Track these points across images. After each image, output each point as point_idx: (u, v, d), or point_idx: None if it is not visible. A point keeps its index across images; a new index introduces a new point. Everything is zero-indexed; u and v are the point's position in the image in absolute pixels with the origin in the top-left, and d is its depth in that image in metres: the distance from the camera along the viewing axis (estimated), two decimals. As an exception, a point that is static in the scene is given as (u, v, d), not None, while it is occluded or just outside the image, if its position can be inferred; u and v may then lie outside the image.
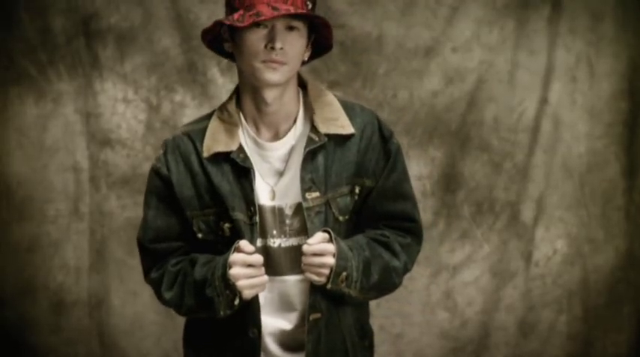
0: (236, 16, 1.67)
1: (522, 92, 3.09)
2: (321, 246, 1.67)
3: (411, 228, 1.83)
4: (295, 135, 1.78)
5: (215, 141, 1.76)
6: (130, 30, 3.06)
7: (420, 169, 3.08)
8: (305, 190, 1.73)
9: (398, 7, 3.07)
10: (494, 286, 3.14)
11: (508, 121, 3.10)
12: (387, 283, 1.79)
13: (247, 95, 1.77)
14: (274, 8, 1.64)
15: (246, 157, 1.75)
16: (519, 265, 3.14)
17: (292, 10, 1.65)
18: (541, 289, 3.15)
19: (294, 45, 1.69)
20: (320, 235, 1.68)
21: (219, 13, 2.98)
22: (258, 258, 1.68)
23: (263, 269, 1.68)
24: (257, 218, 1.73)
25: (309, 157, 1.74)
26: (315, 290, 1.72)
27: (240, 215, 1.74)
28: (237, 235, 1.74)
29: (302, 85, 1.83)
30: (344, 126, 1.76)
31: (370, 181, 1.80)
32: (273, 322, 1.79)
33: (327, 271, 1.68)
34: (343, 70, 3.07)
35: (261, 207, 1.75)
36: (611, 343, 3.14)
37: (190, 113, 3.07)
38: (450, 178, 3.13)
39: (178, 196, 1.79)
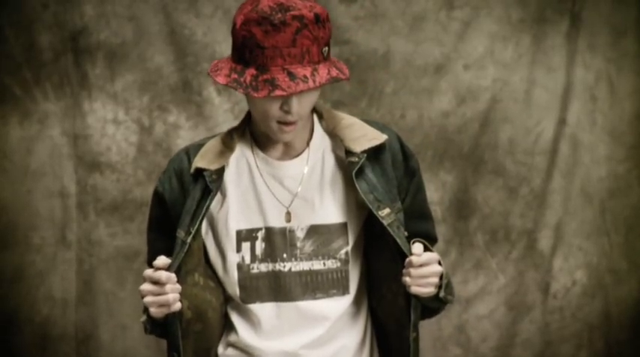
0: (248, 78, 1.64)
1: (539, 112, 3.07)
2: (428, 255, 1.70)
3: (430, 245, 1.87)
4: (309, 156, 1.80)
5: (202, 158, 1.78)
6: (120, 46, 3.04)
7: (430, 195, 3.05)
8: (376, 208, 1.75)
9: (406, 21, 3.05)
10: (510, 319, 3.13)
11: (524, 143, 3.07)
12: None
13: (258, 124, 1.78)
14: (290, 75, 1.62)
15: (219, 180, 1.75)
16: (536, 297, 3.11)
17: (308, 73, 1.63)
18: (560, 322, 3.11)
19: (308, 102, 1.71)
20: (420, 246, 1.71)
21: (216, 29, 3.06)
22: (160, 274, 1.64)
23: (168, 287, 1.65)
24: (189, 239, 1.72)
25: (360, 177, 1.76)
26: (415, 307, 1.75)
27: (181, 233, 1.74)
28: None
29: None
30: (376, 137, 1.79)
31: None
32: (280, 346, 1.79)
33: (436, 280, 1.71)
34: (348, 89, 3.05)
35: (269, 230, 1.77)
36: (635, 380, 3.16)
37: (185, 135, 3.07)
38: (463, 204, 3.10)
39: (172, 215, 1.80)
